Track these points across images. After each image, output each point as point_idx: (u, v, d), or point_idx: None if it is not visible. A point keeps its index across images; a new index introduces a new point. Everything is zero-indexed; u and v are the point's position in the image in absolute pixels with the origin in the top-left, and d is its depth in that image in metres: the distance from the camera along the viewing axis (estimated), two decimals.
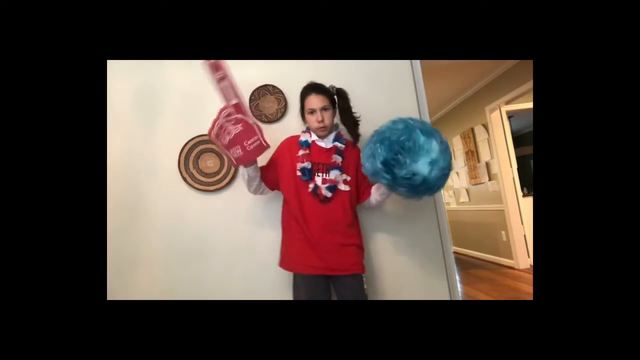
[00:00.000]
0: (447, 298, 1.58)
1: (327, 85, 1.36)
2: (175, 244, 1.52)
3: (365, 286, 1.31)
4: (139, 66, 1.59)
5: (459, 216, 4.89)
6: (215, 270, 1.52)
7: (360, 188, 1.39)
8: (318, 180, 1.30)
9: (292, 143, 1.38)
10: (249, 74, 1.61)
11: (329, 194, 1.29)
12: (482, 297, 2.97)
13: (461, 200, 4.78)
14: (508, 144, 3.80)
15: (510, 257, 3.80)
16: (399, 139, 1.14)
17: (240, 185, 1.47)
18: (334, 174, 1.31)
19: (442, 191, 1.69)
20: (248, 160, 1.22)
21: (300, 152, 1.33)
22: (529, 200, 3.82)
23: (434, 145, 1.15)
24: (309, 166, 1.30)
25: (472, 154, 4.31)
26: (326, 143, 1.35)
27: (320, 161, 1.32)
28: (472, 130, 4.22)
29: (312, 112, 1.31)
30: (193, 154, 1.55)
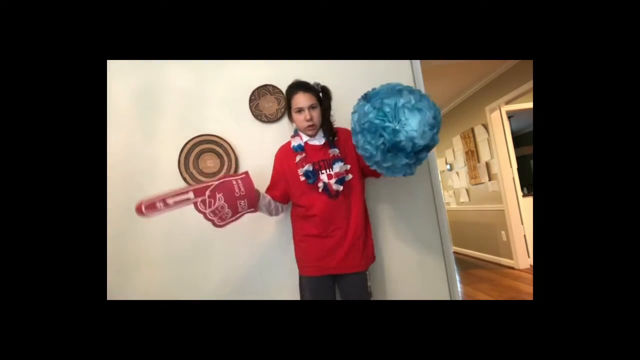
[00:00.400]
0: (447, 298, 1.58)
1: (312, 83, 1.33)
2: (175, 244, 1.52)
3: (369, 283, 1.31)
4: (139, 66, 1.59)
5: (459, 216, 4.89)
6: (215, 270, 1.52)
7: (366, 170, 1.34)
8: (324, 177, 1.29)
9: (286, 151, 1.37)
10: (249, 74, 1.61)
11: (340, 188, 1.28)
12: (482, 297, 2.97)
13: (461, 200, 4.78)
14: (508, 144, 3.80)
15: (510, 257, 3.80)
16: (377, 117, 1.08)
17: None
18: (337, 167, 1.29)
19: (442, 191, 1.69)
20: (253, 197, 1.21)
21: (298, 158, 1.31)
22: (529, 200, 3.82)
23: (403, 99, 1.09)
24: (311, 168, 1.29)
25: (472, 154, 4.31)
26: (318, 140, 1.33)
27: (320, 158, 1.31)
28: (472, 130, 4.22)
29: (300, 110, 1.28)
30: (193, 154, 1.55)
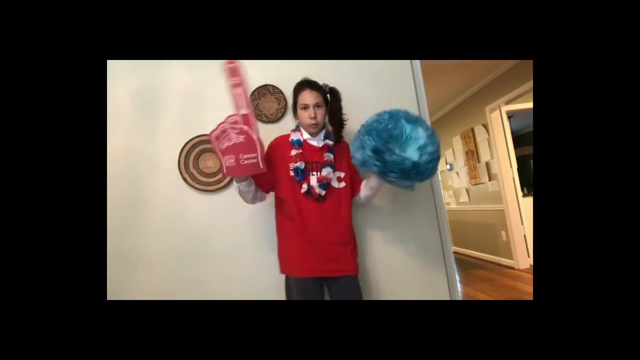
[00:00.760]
0: (447, 298, 1.58)
1: (321, 83, 1.35)
2: (175, 244, 1.52)
3: (360, 284, 1.31)
4: (139, 66, 1.59)
5: (459, 216, 4.89)
6: (215, 270, 1.52)
7: (353, 184, 1.38)
8: (312, 179, 1.29)
9: (282, 142, 1.36)
10: (249, 74, 1.60)
11: (322, 192, 1.28)
12: (482, 297, 2.97)
13: (461, 200, 4.78)
14: (508, 144, 3.80)
15: (510, 257, 3.80)
16: (387, 127, 1.16)
17: None
18: (325, 172, 1.30)
19: (442, 191, 1.69)
20: (238, 173, 1.18)
21: (293, 152, 1.31)
22: (529, 200, 3.82)
23: (421, 133, 1.18)
24: (302, 166, 1.29)
25: (472, 154, 4.31)
26: (318, 141, 1.34)
27: (314, 160, 1.31)
28: (472, 130, 4.22)
29: (305, 107, 1.29)
30: (193, 154, 1.55)
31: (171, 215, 1.54)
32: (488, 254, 4.26)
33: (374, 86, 1.65)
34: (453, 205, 5.06)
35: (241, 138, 1.13)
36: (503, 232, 3.86)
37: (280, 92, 1.59)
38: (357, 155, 1.21)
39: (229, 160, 1.15)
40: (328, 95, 1.34)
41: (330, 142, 1.34)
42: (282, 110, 1.60)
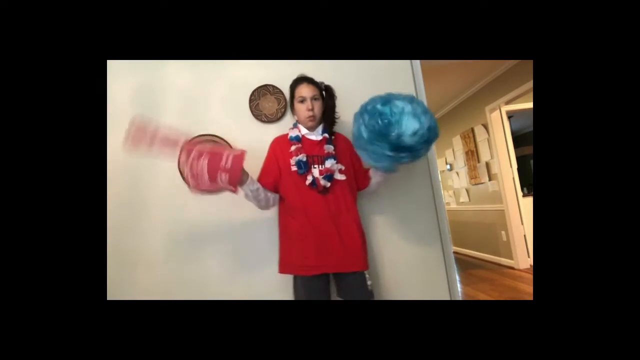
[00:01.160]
0: (447, 298, 1.58)
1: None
2: (175, 244, 1.52)
3: (369, 282, 1.30)
4: (139, 66, 1.59)
5: (459, 216, 4.89)
6: (216, 270, 1.52)
7: (359, 176, 1.40)
8: (315, 172, 1.29)
9: (281, 140, 1.38)
10: (249, 74, 1.61)
11: (327, 184, 1.29)
12: (482, 297, 2.97)
13: (461, 200, 4.78)
14: (508, 144, 3.80)
15: (510, 257, 3.80)
16: (384, 122, 1.13)
17: None
18: (329, 163, 1.30)
19: (442, 191, 1.69)
20: (236, 176, 1.15)
21: (293, 147, 1.32)
22: (529, 200, 3.82)
23: (400, 104, 1.15)
24: (304, 158, 1.30)
25: (472, 154, 4.31)
26: (316, 135, 1.35)
27: (314, 153, 1.32)
28: (472, 130, 4.22)
29: (303, 100, 1.31)
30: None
31: (171, 215, 1.54)
32: (488, 254, 4.26)
33: (374, 86, 1.64)
34: (453, 205, 5.06)
35: (205, 158, 1.10)
36: (503, 232, 3.86)
37: (280, 92, 1.59)
38: (382, 165, 1.20)
39: (222, 179, 1.13)
40: (323, 92, 1.36)
41: (328, 135, 1.35)
42: (282, 110, 1.60)
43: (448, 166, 5.16)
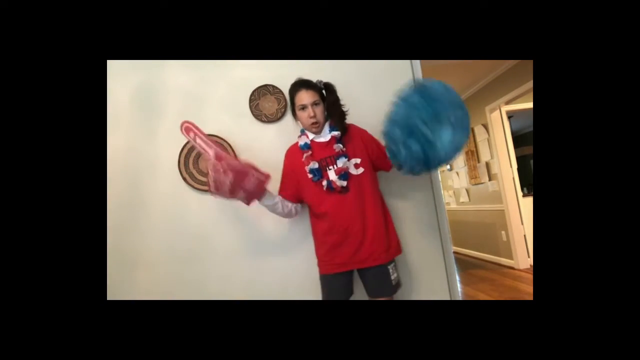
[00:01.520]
0: (447, 298, 1.58)
1: (314, 80, 1.34)
2: (175, 244, 1.52)
3: (393, 275, 1.32)
4: (139, 66, 1.59)
5: (459, 216, 4.88)
6: (216, 270, 1.52)
7: (381, 160, 1.35)
8: (331, 173, 1.30)
9: (294, 151, 1.39)
10: (249, 74, 1.61)
11: (344, 183, 1.29)
12: (482, 297, 2.97)
13: (461, 200, 4.78)
14: (508, 144, 3.80)
15: (510, 257, 3.80)
16: (420, 115, 1.05)
17: None
18: (341, 162, 1.30)
19: (442, 191, 1.69)
20: (255, 197, 1.25)
21: (304, 156, 1.33)
22: (529, 200, 3.82)
23: (455, 136, 1.07)
24: (316, 166, 1.31)
25: (472, 154, 4.31)
26: (324, 137, 1.34)
27: (326, 155, 1.32)
28: (472, 130, 4.22)
29: (304, 108, 1.30)
30: (193, 154, 1.55)
31: (171, 215, 1.54)
32: (488, 254, 4.26)
33: (374, 86, 1.65)
34: (453, 205, 5.06)
35: (230, 176, 1.17)
36: (503, 232, 3.86)
37: (280, 92, 1.59)
38: (417, 169, 1.15)
39: (240, 196, 1.21)
40: (323, 92, 1.35)
41: (336, 133, 1.32)
42: (282, 110, 1.60)
43: (448, 166, 5.16)
